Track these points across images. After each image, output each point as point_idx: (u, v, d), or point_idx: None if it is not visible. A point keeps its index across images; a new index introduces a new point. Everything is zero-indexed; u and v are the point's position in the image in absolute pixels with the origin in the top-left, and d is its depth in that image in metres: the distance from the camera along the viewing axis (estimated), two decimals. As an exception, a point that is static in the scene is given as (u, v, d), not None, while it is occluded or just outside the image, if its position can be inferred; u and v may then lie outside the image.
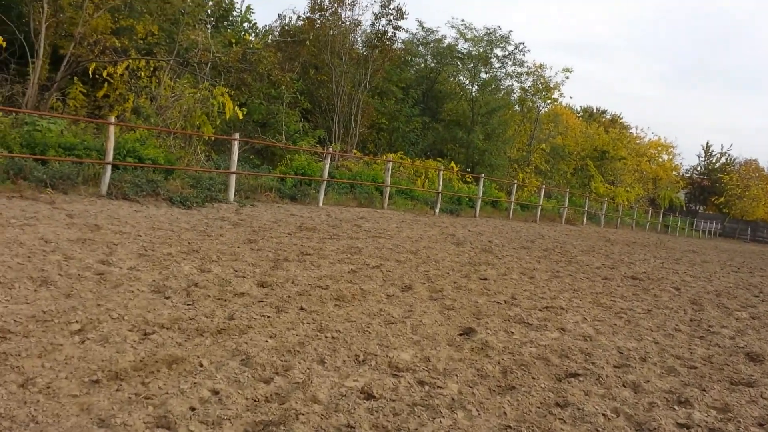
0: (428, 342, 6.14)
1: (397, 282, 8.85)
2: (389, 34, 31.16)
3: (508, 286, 9.85)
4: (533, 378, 5.49)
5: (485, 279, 10.18)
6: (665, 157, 55.80)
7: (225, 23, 28.45)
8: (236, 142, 17.20)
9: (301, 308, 6.67)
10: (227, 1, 27.92)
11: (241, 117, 21.58)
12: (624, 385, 5.65)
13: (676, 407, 5.22)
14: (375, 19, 30.92)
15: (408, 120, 34.09)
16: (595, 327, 7.78)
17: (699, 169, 65.61)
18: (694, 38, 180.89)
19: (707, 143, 68.07)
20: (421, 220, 19.87)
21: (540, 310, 8.39)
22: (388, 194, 22.47)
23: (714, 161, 64.62)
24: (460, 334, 6.60)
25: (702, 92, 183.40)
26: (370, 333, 6.17)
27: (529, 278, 11.04)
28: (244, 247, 9.90)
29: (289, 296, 7.07)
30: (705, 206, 64.84)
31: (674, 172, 57.47)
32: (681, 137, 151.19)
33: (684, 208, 59.64)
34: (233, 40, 25.63)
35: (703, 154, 65.37)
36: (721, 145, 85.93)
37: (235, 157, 17.05)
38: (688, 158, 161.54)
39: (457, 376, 5.28)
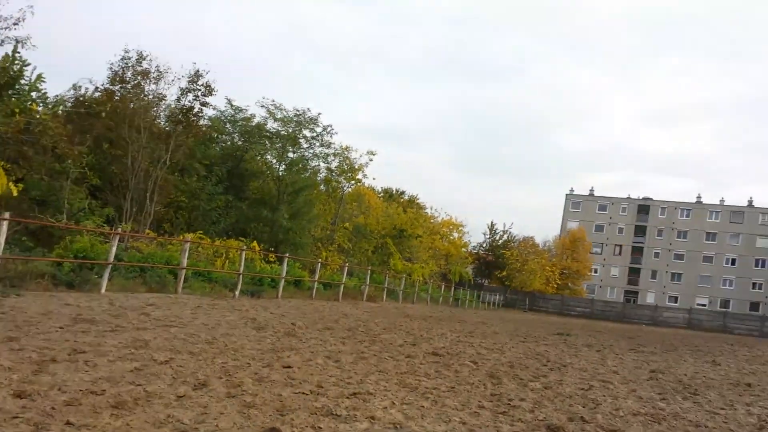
0: (227, 450, 5.37)
1: (189, 379, 7.89)
2: (195, 110, 30.10)
3: (313, 373, 9.30)
4: (346, 481, 4.97)
5: (289, 367, 9.54)
6: (456, 234, 60.00)
7: (10, 92, 25.43)
8: (5, 222, 15.02)
9: (68, 422, 5.53)
10: (15, 69, 25.08)
11: (15, 194, 19.08)
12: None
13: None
14: (181, 94, 29.71)
15: (210, 198, 32.79)
16: (403, 412, 7.49)
17: (485, 245, 71.37)
18: (482, 130, 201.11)
19: (491, 222, 74.45)
20: (220, 304, 18.73)
21: (348, 397, 7.94)
22: (183, 277, 21.01)
23: (497, 238, 70.81)
24: (263, 436, 5.90)
25: (487, 176, 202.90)
26: (155, 446, 5.26)
27: (334, 362, 10.60)
28: (1, 347, 8.32)
29: (53, 408, 5.87)
30: (490, 279, 70.29)
31: (464, 249, 61.80)
32: (470, 217, 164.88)
33: (472, 282, 63.98)
34: (16, 110, 22.93)
35: (488, 232, 71.45)
36: (503, 223, 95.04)
37: (2, 239, 14.83)
38: (476, 236, 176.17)
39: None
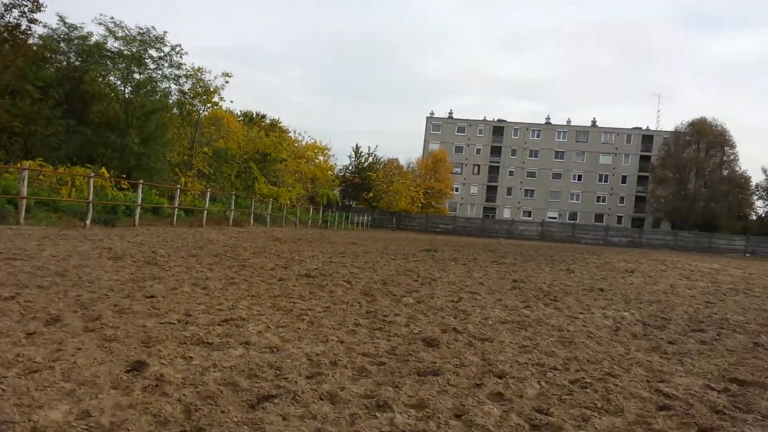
0: (87, 389, 4.83)
1: (40, 314, 7.11)
2: (23, 27, 26.90)
3: (180, 302, 8.76)
4: (223, 412, 4.63)
5: (152, 297, 8.91)
6: (321, 158, 59.50)
7: None
8: None
9: None
10: None
11: None
12: (321, 398, 5.15)
13: (377, 414, 4.88)
14: (5, 11, 26.37)
15: (48, 123, 29.82)
16: (280, 335, 7.23)
17: (351, 168, 71.54)
18: (343, 55, 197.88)
19: (357, 145, 74.55)
20: (69, 235, 17.27)
21: (219, 324, 7.54)
22: (24, 207, 19.09)
23: (363, 161, 71.15)
24: (128, 371, 5.39)
25: (351, 100, 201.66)
26: (4, 390, 4.61)
27: (202, 289, 10.08)
28: None
29: None
30: (357, 201, 71.01)
31: (330, 172, 61.58)
32: (335, 140, 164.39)
33: (340, 204, 64.31)
34: None
35: (354, 155, 71.50)
36: (368, 146, 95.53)
37: None
38: (342, 159, 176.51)
39: (128, 430, 4.15)
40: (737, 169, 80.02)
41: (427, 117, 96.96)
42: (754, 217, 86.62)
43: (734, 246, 58.21)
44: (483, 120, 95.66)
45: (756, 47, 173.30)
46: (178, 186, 31.17)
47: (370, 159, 71.12)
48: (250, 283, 11.21)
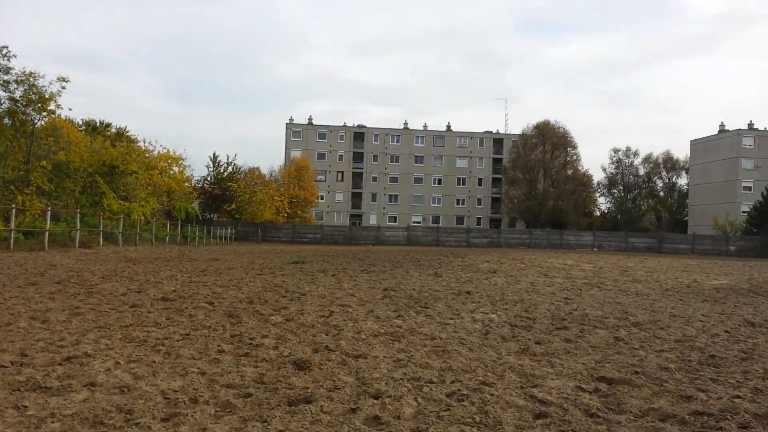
0: None
1: None
2: None
3: (14, 340, 7.68)
4: (57, 479, 3.91)
5: (-22, 337, 7.74)
6: (176, 169, 56.68)
7: None
8: None
9: None
10: None
11: None
12: (178, 445, 4.55)
13: (243, 457, 4.36)
14: None
15: None
16: (131, 371, 6.46)
17: (209, 179, 68.90)
18: (190, 57, 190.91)
19: (214, 154, 71.95)
20: None
21: (60, 363, 6.64)
22: None
23: (222, 171, 68.73)
24: (-64, 438, 4.47)
25: (205, 107, 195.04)
26: None
27: (41, 323, 8.95)
28: None
29: None
30: (219, 213, 68.56)
31: (187, 184, 58.87)
32: (190, 150, 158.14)
33: (200, 218, 61.74)
34: None
35: (212, 165, 68.94)
36: (227, 155, 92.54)
37: None
38: (199, 169, 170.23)
39: None
40: (580, 168, 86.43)
41: (286, 123, 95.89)
42: (598, 213, 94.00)
43: (583, 241, 62.56)
44: (343, 126, 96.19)
45: (589, 53, 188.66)
46: (14, 205, 28.23)
47: (230, 168, 68.82)
48: (97, 312, 10.14)
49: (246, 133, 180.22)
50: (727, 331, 10.09)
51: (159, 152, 55.44)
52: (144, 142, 55.17)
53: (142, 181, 48.48)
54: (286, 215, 67.84)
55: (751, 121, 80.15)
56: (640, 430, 5.05)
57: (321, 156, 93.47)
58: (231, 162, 69.18)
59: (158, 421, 5.00)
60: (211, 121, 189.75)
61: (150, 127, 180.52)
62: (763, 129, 78.96)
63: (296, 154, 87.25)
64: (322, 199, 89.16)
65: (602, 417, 5.40)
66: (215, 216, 69.00)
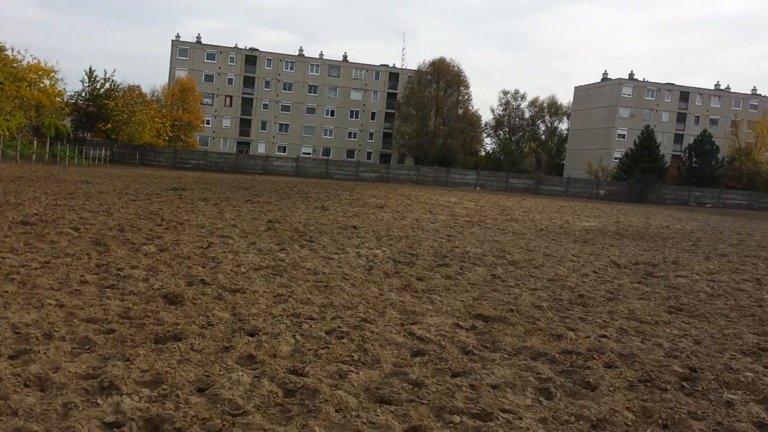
0: None
1: None
2: None
3: None
4: None
5: None
6: (47, 82, 51.95)
7: None
8: None
9: None
10: None
11: None
12: (26, 385, 4.15)
13: (99, 399, 4.00)
14: None
15: None
16: (-22, 303, 5.83)
17: (84, 95, 63.84)
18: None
19: (90, 68, 66.37)
20: None
21: None
22: None
23: (99, 87, 63.80)
24: None
25: (80, 15, 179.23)
26: None
27: None
28: None
29: None
30: (93, 133, 64.11)
31: (58, 99, 54.27)
32: (65, 63, 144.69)
33: (72, 136, 57.42)
34: None
35: (87, 80, 63.83)
36: (105, 70, 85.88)
37: None
38: (73, 84, 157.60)
39: None
40: (470, 108, 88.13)
41: (172, 40, 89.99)
42: (483, 153, 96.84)
43: (467, 180, 64.38)
44: (234, 48, 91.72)
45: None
46: None
47: (108, 85, 63.88)
48: (-58, 235, 9.12)
49: (127, 49, 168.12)
50: (595, 272, 10.64)
51: (29, 63, 50.49)
52: (12, 51, 49.54)
53: (9, 93, 44.14)
54: (167, 139, 64.43)
55: (632, 71, 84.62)
56: (513, 368, 5.14)
57: (209, 78, 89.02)
58: (109, 78, 64.15)
59: (4, 359, 4.53)
60: (87, 33, 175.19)
61: (20, 36, 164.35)
62: (642, 80, 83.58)
63: (182, 74, 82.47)
64: (207, 123, 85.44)
65: (478, 355, 5.46)
66: (89, 135, 64.41)
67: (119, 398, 4.03)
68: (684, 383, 4.98)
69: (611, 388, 4.78)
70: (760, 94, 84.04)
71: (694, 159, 67.91)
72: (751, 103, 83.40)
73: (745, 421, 4.25)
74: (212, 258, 9.15)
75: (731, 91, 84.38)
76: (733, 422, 4.22)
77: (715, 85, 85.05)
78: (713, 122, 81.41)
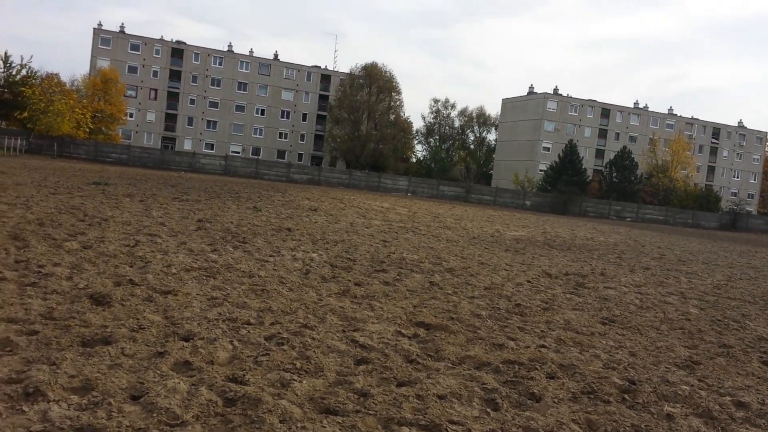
0: None
1: None
2: None
3: None
4: None
5: None
6: (-44, 64, 48.76)
7: None
8: None
9: None
10: None
11: None
12: (-64, 396, 3.74)
13: (24, 407, 3.70)
14: None
15: None
16: None
17: (-1, 80, 60.35)
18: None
19: (6, 54, 62.80)
20: None
21: None
22: None
23: (14, 73, 60.47)
24: None
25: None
26: None
27: None
28: None
29: None
30: (7, 121, 60.71)
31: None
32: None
33: (-16, 124, 54.19)
34: None
35: (2, 66, 60.38)
36: (21, 56, 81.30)
37: None
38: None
39: None
40: (402, 114, 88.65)
41: (94, 29, 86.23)
42: (414, 160, 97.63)
43: (398, 186, 64.63)
44: (160, 39, 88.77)
45: (414, 1, 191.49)
46: None
47: (24, 72, 60.74)
48: None
49: (45, 35, 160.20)
50: (528, 281, 10.80)
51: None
52: None
53: None
54: (88, 130, 61.67)
55: (556, 87, 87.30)
56: (458, 377, 5.09)
57: (132, 70, 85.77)
58: (25, 64, 60.96)
59: None
60: (2, 17, 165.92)
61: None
62: (566, 95, 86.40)
63: (104, 64, 79.07)
64: (131, 117, 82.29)
65: (422, 363, 5.39)
66: (3, 124, 60.97)
67: (46, 405, 3.73)
68: (625, 395, 5.06)
69: (556, 400, 4.80)
70: (675, 114, 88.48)
71: (614, 174, 70.68)
72: (667, 122, 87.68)
73: (688, 434, 4.34)
74: (140, 257, 8.72)
75: (649, 110, 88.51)
76: (676, 435, 4.31)
77: (635, 103, 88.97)
78: (632, 139, 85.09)
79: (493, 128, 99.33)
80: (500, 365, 5.53)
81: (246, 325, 5.95)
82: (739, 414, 4.89)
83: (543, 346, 6.36)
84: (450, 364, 5.46)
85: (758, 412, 4.96)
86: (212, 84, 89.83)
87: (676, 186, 70.81)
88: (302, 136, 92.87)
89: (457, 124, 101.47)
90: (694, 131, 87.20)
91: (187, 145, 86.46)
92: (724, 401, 5.12)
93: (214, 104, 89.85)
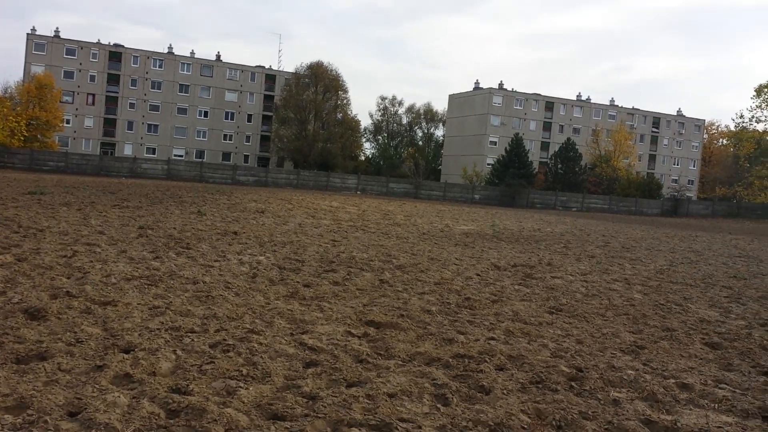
0: None
1: None
2: None
3: None
4: None
5: None
6: None
7: None
8: None
9: None
10: None
11: None
12: None
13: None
14: None
15: None
16: None
17: (-76, 89, 57.68)
18: None
19: (-70, 60, 60.04)
20: None
21: None
22: None
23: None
24: None
25: None
26: None
27: None
28: None
29: None
30: (-64, 131, 58.08)
31: None
32: None
33: None
34: None
35: (-73, 72, 57.79)
36: (-53, 63, 77.56)
37: None
38: None
39: None
40: (349, 112, 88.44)
41: (27, 34, 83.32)
42: (363, 158, 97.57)
43: (348, 184, 64.46)
44: (97, 43, 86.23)
45: (358, 1, 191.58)
46: None
47: (-46, 80, 58.27)
48: None
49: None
50: (478, 274, 10.87)
51: None
52: None
53: None
54: (22, 139, 59.56)
55: (501, 81, 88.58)
56: (408, 375, 5.05)
57: (69, 75, 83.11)
58: (-46, 71, 58.50)
59: None
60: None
61: None
62: (511, 89, 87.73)
63: (38, 69, 76.38)
64: (68, 123, 79.73)
65: (372, 363, 5.33)
66: (-68, 134, 58.27)
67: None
68: (572, 383, 5.12)
69: (505, 391, 4.81)
70: (617, 105, 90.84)
71: (559, 165, 72.14)
72: (609, 113, 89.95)
73: (633, 419, 4.40)
74: (78, 268, 8.40)
75: (592, 102, 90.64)
76: (622, 420, 4.36)
77: (577, 96, 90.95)
78: (576, 131, 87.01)
79: (441, 124, 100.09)
80: (450, 360, 5.52)
81: (190, 334, 5.78)
82: (683, 396, 4.99)
83: (492, 339, 6.39)
84: (400, 362, 5.42)
85: (701, 393, 5.07)
86: (152, 87, 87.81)
87: (619, 175, 72.78)
88: (248, 138, 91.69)
89: (405, 121, 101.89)
90: (635, 121, 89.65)
91: (128, 150, 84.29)
92: (668, 384, 5.23)
93: (155, 107, 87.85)
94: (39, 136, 63.81)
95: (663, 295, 10.08)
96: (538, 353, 5.94)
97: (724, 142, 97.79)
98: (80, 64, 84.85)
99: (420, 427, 4.04)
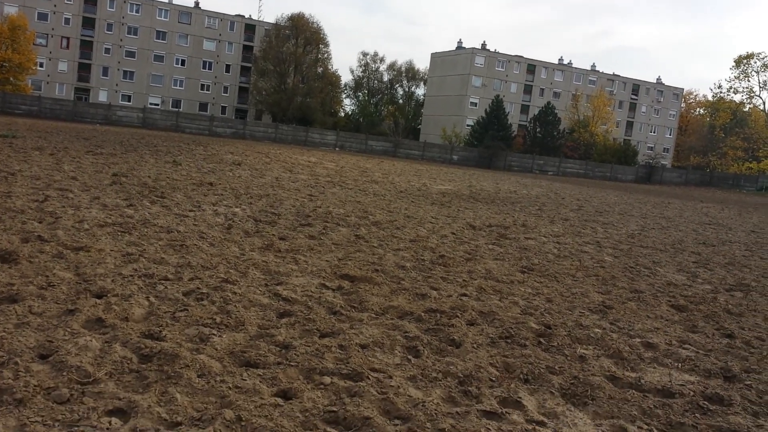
0: None
1: None
2: None
3: None
4: None
5: None
6: None
7: None
8: None
9: None
10: None
11: None
12: None
13: None
14: None
15: None
16: None
17: None
18: None
19: None
20: None
21: None
22: None
23: None
24: None
25: None
26: None
27: None
28: None
29: None
30: None
31: None
32: None
33: None
34: None
35: None
36: None
37: None
38: None
39: None
40: (330, 67, 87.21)
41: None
42: (343, 114, 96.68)
43: (326, 140, 63.91)
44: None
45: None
46: None
47: None
48: None
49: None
50: (453, 233, 10.95)
51: None
52: None
53: None
54: (-5, 81, 58.00)
55: (484, 42, 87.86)
56: (380, 327, 5.12)
57: (42, 16, 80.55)
58: None
59: None
60: None
61: None
62: (493, 50, 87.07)
63: (11, 10, 73.93)
64: (41, 66, 77.59)
65: (345, 315, 5.38)
66: None
67: None
68: (540, 339, 5.23)
69: (475, 345, 4.90)
70: (598, 71, 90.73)
71: (538, 129, 72.25)
72: (590, 78, 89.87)
73: (599, 375, 4.53)
74: (50, 213, 8.29)
75: (573, 66, 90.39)
76: (588, 376, 4.48)
77: (559, 59, 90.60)
78: (556, 95, 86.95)
79: (422, 83, 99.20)
80: (422, 314, 5.60)
81: (163, 281, 5.77)
82: (647, 354, 5.14)
83: (464, 295, 6.47)
84: (373, 315, 5.48)
85: (665, 352, 5.22)
86: (129, 32, 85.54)
87: (596, 141, 73.16)
88: (225, 89, 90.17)
89: (386, 78, 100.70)
90: (615, 87, 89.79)
91: (103, 97, 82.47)
92: (633, 342, 5.37)
93: (130, 54, 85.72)
94: (11, 78, 62.13)
95: (633, 258, 10.27)
96: (508, 310, 6.04)
97: (701, 111, 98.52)
98: (54, 5, 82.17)
99: (391, 377, 4.11)
